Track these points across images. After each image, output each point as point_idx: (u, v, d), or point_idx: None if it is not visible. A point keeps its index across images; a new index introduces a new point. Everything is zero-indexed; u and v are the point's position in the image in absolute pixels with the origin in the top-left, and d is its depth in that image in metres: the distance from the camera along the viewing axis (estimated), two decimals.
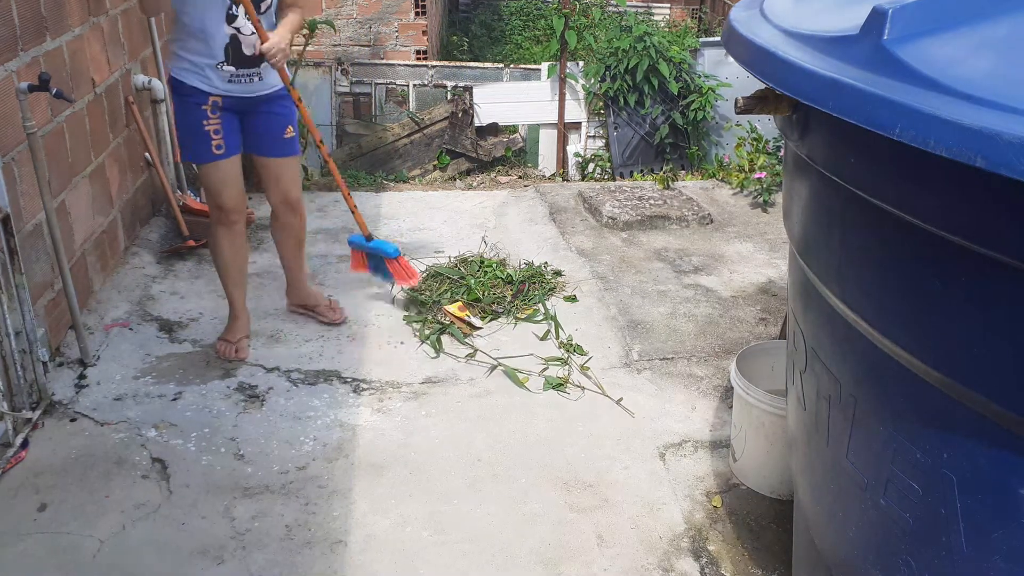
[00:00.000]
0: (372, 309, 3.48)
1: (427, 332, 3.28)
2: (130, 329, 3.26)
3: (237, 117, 2.92)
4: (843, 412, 1.49)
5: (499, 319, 3.44)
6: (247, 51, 2.80)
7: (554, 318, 3.42)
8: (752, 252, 4.12)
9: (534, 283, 3.67)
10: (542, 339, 3.30)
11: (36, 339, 2.70)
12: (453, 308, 3.39)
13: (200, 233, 3.96)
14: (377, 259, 3.39)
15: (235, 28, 2.76)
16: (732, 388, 2.50)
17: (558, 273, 3.81)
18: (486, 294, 3.52)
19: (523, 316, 3.45)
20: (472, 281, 3.59)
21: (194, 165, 2.90)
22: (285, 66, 2.86)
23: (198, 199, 4.29)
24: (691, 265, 3.96)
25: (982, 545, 1.24)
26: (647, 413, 2.86)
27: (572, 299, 3.61)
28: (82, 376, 2.94)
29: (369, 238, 3.38)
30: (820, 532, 1.72)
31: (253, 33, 2.77)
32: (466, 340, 3.26)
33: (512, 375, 3.04)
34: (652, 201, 4.58)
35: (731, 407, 2.62)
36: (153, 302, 3.48)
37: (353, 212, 3.34)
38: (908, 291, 1.27)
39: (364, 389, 2.95)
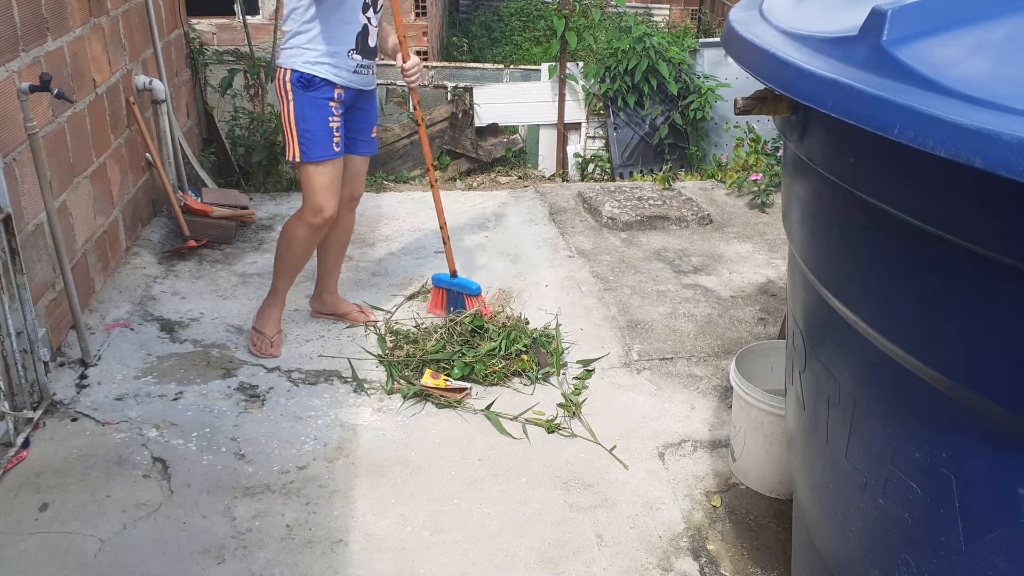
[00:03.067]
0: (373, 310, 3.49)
1: (408, 392, 2.90)
2: (131, 329, 3.26)
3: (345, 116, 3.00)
4: (842, 412, 1.50)
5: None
6: (371, 42, 2.93)
7: (576, 404, 2.88)
8: (751, 252, 4.13)
9: (539, 350, 3.13)
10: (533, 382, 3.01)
11: (37, 339, 2.70)
12: (427, 380, 2.94)
13: (201, 233, 3.97)
14: (456, 296, 3.39)
15: (367, 18, 2.89)
16: (731, 388, 2.51)
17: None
18: (478, 367, 3.01)
19: (542, 419, 2.81)
20: (456, 356, 3.05)
21: (304, 165, 2.89)
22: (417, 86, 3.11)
23: (199, 199, 4.29)
24: (690, 265, 3.96)
25: (981, 544, 1.24)
26: (646, 413, 2.86)
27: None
28: (83, 376, 2.94)
29: (454, 275, 3.40)
30: (819, 531, 1.72)
31: (376, 25, 2.93)
32: (455, 402, 2.87)
33: (496, 422, 2.77)
34: (651, 201, 4.59)
35: (730, 407, 2.62)
36: (154, 302, 3.48)
37: (445, 244, 3.38)
38: (907, 291, 1.28)
39: (364, 389, 2.95)
